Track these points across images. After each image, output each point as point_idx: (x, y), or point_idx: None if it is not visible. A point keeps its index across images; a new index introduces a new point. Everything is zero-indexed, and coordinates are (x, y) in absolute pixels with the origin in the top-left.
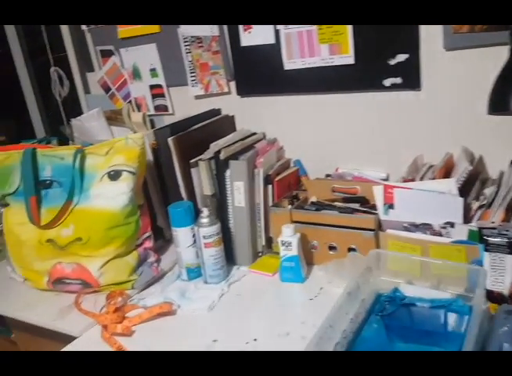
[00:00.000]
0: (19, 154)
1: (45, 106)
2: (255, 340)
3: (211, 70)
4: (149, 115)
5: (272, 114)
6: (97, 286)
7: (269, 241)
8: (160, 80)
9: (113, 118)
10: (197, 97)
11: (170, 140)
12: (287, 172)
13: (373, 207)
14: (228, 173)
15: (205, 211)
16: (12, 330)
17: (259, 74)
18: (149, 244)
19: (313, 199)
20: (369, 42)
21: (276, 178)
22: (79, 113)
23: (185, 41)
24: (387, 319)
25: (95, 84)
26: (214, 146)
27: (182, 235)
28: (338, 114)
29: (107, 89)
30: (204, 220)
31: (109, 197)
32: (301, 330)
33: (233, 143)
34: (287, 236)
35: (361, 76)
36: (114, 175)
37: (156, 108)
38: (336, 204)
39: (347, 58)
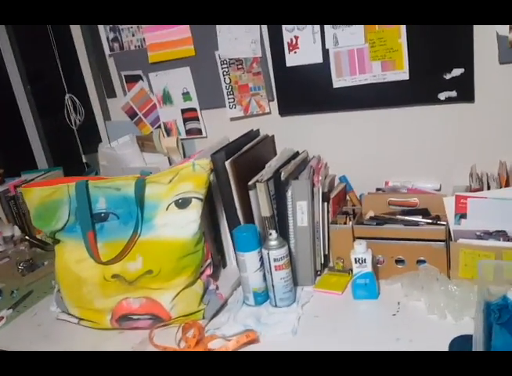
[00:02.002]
0: (67, 188)
1: (47, 135)
2: None
3: (251, 91)
4: (181, 139)
5: (314, 132)
6: (168, 319)
7: (326, 259)
8: (194, 103)
9: (140, 144)
10: (233, 119)
11: (227, 163)
12: (338, 189)
13: (437, 218)
14: (289, 193)
15: (273, 234)
16: None
17: (304, 93)
18: (209, 271)
19: (371, 214)
20: (425, 58)
21: (332, 196)
22: (94, 140)
23: (223, 64)
24: (506, 327)
25: (117, 110)
26: (269, 168)
27: (249, 259)
28: (388, 128)
29: (133, 115)
30: (273, 242)
31: (179, 225)
32: (402, 347)
33: (286, 163)
34: (361, 253)
35: (415, 91)
36: (182, 203)
37: (188, 132)
38: (397, 217)
39: (402, 74)
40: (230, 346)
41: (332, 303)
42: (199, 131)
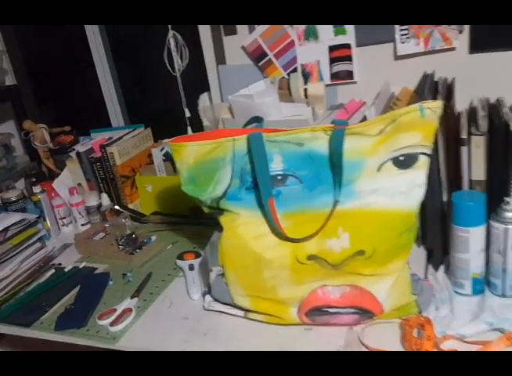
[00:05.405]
0: (233, 142)
1: (123, 83)
2: None
3: None
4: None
5: None
6: (380, 313)
7: None
8: (349, 37)
9: None
10: (399, 58)
11: None
12: None
13: None
14: None
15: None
16: None
17: None
18: None
19: None
20: None
21: None
22: (195, 90)
23: None
24: None
25: (235, 51)
26: (482, 116)
27: (474, 236)
28: None
29: (260, 56)
30: None
31: (400, 191)
32: None
33: (493, 112)
34: None
35: None
36: (405, 161)
37: (334, 76)
38: None
39: None
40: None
41: None
42: (348, 75)
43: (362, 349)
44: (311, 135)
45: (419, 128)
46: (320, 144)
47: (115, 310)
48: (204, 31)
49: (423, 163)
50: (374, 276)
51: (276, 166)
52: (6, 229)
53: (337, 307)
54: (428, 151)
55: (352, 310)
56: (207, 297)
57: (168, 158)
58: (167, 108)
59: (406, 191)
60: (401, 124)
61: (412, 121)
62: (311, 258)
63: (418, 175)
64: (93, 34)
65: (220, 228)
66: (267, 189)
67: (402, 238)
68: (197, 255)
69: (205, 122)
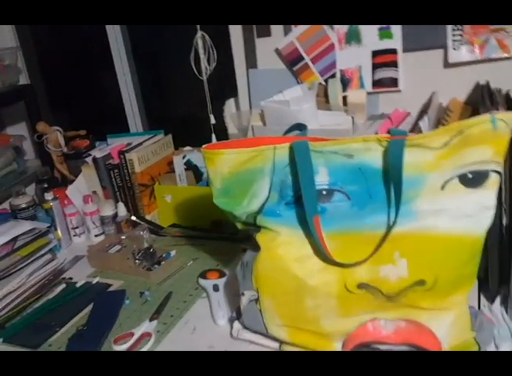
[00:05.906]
0: (274, 151)
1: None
2: None
3: (492, 25)
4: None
5: None
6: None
7: None
8: (395, 42)
9: None
10: (449, 66)
11: None
12: None
13: None
14: None
15: None
16: None
17: None
18: None
19: None
20: None
21: None
22: (220, 95)
23: None
24: None
25: (267, 54)
26: None
27: None
28: None
29: (295, 60)
30: None
31: (467, 213)
32: None
33: None
34: None
35: None
36: (474, 179)
37: (377, 83)
38: None
39: None
40: None
41: None
42: (393, 83)
43: None
44: (363, 145)
45: (490, 141)
46: (373, 156)
47: (132, 334)
48: (235, 33)
49: (493, 181)
50: (434, 310)
51: (321, 179)
52: (15, 239)
53: (388, 344)
54: (499, 168)
55: (406, 348)
56: (236, 324)
57: (190, 167)
58: (189, 114)
59: (474, 213)
60: (469, 137)
61: (483, 133)
62: (361, 286)
63: (488, 195)
64: (114, 33)
65: (254, 247)
66: (312, 206)
67: (467, 267)
68: (221, 274)
69: (231, 130)
